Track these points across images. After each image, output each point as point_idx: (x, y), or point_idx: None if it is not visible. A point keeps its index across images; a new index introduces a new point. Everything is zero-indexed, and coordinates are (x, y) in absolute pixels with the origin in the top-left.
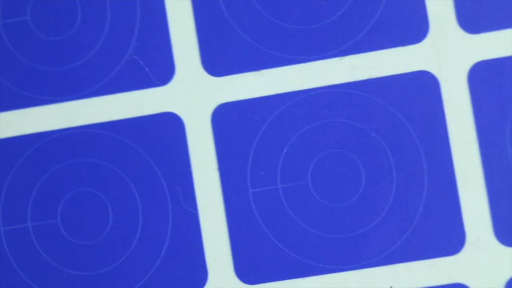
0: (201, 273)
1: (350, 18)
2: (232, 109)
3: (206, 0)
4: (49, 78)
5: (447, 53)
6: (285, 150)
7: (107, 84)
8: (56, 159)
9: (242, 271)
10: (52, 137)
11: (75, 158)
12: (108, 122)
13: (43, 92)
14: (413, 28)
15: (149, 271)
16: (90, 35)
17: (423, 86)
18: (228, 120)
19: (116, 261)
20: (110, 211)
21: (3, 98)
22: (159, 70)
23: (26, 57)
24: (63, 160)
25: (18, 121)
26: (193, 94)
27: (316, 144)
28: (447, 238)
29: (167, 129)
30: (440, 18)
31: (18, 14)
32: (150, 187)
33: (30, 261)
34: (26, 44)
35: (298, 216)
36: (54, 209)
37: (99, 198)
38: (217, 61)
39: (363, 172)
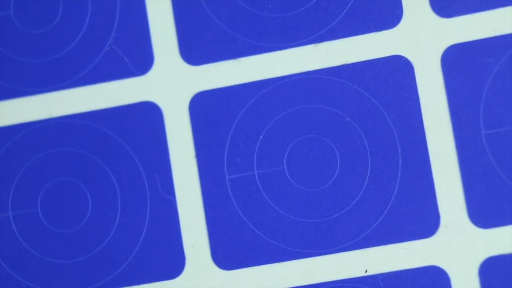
0: (179, 259)
1: (324, 6)
2: (209, 97)
3: None
4: (30, 70)
5: (421, 37)
6: (261, 137)
7: (87, 74)
8: (36, 149)
9: (219, 257)
10: (32, 127)
11: (55, 148)
12: (88, 112)
13: (24, 83)
14: (387, 13)
15: (128, 258)
16: (71, 27)
17: (397, 70)
18: (205, 108)
19: (95, 248)
20: (89, 200)
21: None
22: (138, 60)
23: (8, 49)
24: (43, 150)
25: None
26: (171, 83)
27: (291, 130)
28: (421, 221)
29: (146, 118)
30: (414, 3)
31: (1, 8)
32: (129, 175)
33: (11, 250)
34: (9, 37)
35: (274, 201)
36: (35, 198)
37: (78, 187)
38: (195, 50)
39: (338, 157)
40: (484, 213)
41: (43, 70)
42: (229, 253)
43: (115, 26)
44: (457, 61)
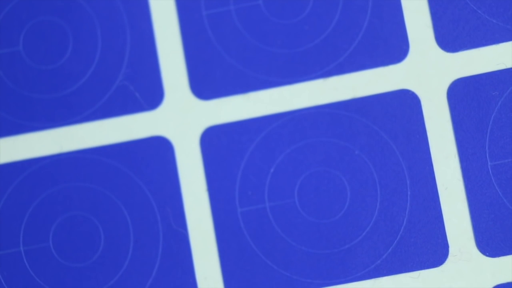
0: None
1: (333, 41)
2: (220, 132)
3: (194, 26)
4: (41, 105)
5: (427, 71)
6: (272, 170)
7: (98, 109)
8: (48, 184)
9: None
10: (44, 162)
11: (67, 183)
12: (99, 147)
13: (35, 119)
14: (393, 48)
15: None
16: (81, 62)
17: (405, 104)
18: (216, 142)
19: (108, 282)
20: (101, 234)
21: None
22: (149, 95)
23: (18, 85)
24: (54, 185)
25: (11, 147)
26: (182, 118)
27: (302, 163)
28: (430, 251)
29: (157, 152)
30: (420, 38)
31: (10, 44)
32: (141, 209)
33: (23, 285)
34: (19, 73)
35: (285, 233)
36: (46, 233)
37: (90, 221)
38: (205, 85)
39: (348, 189)
40: (491, 242)
41: (54, 105)
42: (241, 285)
43: (126, 61)
44: (463, 94)
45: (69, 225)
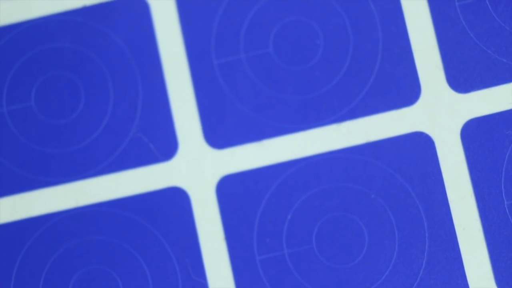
0: None
1: (344, 86)
2: (236, 180)
3: (205, 76)
4: (55, 160)
5: (440, 113)
6: (289, 217)
7: (112, 162)
8: (65, 239)
9: None
10: (60, 217)
11: (84, 237)
12: (115, 200)
13: (50, 174)
14: (405, 91)
15: None
16: (94, 116)
17: (419, 146)
18: (232, 191)
19: None
20: (120, 287)
21: (11, 182)
22: (163, 146)
23: (31, 141)
24: (72, 240)
25: (26, 203)
26: (197, 168)
27: (318, 209)
28: None
29: (173, 203)
30: (431, 80)
31: (22, 100)
32: (159, 260)
33: None
34: (31, 129)
35: (305, 279)
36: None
37: (109, 275)
38: (219, 134)
39: (365, 233)
40: (511, 280)
41: (68, 159)
42: None
43: (138, 113)
44: (476, 134)
45: (87, 279)
